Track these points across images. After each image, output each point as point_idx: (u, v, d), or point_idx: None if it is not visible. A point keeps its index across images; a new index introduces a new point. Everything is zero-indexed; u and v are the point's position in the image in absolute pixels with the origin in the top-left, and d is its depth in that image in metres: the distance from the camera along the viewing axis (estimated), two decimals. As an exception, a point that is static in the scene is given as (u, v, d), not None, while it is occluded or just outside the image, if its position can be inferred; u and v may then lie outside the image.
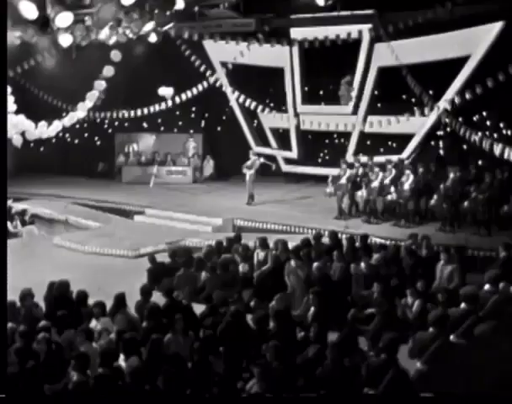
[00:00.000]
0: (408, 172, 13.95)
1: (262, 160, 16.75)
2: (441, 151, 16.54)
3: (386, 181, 14.10)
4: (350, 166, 15.11)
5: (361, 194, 14.37)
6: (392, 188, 13.90)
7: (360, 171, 14.84)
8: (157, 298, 9.53)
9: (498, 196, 12.66)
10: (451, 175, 13.23)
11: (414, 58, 15.67)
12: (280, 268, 10.33)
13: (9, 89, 12.34)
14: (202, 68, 18.02)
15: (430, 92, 15.63)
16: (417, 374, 6.80)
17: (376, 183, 14.13)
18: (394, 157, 15.44)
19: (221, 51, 18.30)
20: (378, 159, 15.59)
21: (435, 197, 13.18)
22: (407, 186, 13.69)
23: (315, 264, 10.04)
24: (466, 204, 12.75)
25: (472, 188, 12.85)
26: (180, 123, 20.32)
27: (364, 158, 15.66)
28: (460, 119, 14.86)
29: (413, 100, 16.09)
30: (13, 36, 10.49)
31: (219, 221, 15.02)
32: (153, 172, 19.26)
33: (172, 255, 11.79)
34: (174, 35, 17.24)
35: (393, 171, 14.33)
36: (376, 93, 17.06)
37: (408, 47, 15.78)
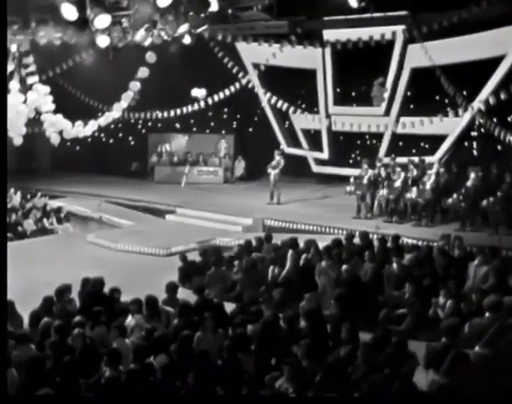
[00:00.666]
0: (429, 172, 13.87)
1: (277, 157, 16.62)
2: (475, 152, 16.35)
3: (409, 181, 14.08)
4: (372, 166, 15.08)
5: (383, 193, 14.34)
6: (414, 188, 13.84)
7: (382, 171, 14.79)
8: (188, 296, 9.66)
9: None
10: (472, 175, 13.13)
11: (448, 59, 15.49)
12: (308, 268, 10.34)
13: (48, 89, 12.62)
14: (235, 70, 18.09)
15: (464, 92, 15.45)
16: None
17: (398, 183, 14.12)
18: (416, 158, 15.32)
19: (253, 53, 18.38)
20: (400, 160, 15.49)
21: (454, 196, 13.11)
22: (428, 186, 13.63)
23: (344, 267, 10.00)
24: (484, 203, 12.63)
25: (492, 189, 12.77)
26: (212, 124, 20.47)
27: (386, 159, 15.58)
28: (494, 119, 14.68)
29: (447, 101, 15.93)
30: (54, 37, 10.70)
31: (249, 221, 15.09)
32: (185, 172, 19.43)
33: (202, 254, 11.90)
34: (208, 37, 17.33)
35: (415, 171, 14.28)
36: (408, 93, 16.93)
37: (441, 48, 15.59)
